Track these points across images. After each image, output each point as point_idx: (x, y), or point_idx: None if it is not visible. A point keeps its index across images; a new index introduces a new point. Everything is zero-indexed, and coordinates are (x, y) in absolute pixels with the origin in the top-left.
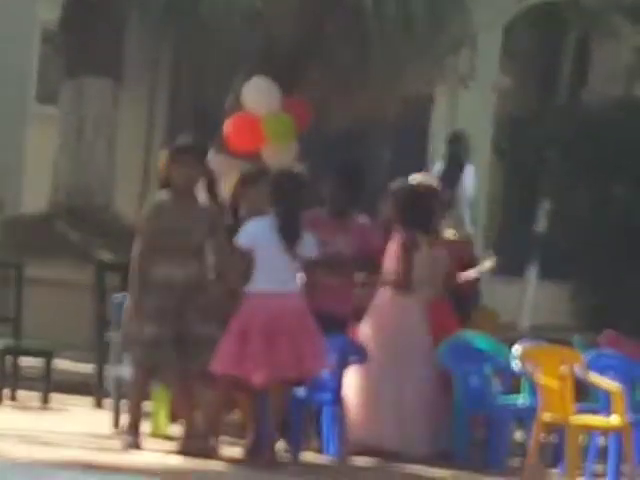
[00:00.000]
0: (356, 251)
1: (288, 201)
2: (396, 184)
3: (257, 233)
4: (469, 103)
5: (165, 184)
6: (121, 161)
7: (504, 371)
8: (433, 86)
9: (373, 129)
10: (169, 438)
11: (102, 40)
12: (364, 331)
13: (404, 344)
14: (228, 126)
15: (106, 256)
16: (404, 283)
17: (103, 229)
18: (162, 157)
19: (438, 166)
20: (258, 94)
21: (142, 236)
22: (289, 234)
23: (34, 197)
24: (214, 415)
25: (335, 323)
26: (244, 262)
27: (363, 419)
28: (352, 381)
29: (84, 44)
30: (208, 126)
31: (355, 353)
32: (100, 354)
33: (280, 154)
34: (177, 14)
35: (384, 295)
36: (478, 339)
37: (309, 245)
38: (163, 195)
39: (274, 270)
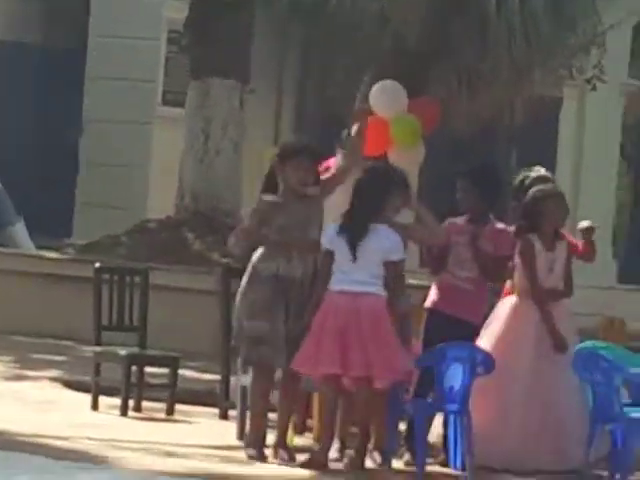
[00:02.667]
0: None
1: (362, 200)
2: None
3: (333, 234)
4: (597, 106)
5: (272, 184)
6: (248, 164)
7: (633, 382)
8: (561, 88)
9: (499, 131)
10: (296, 450)
11: (228, 41)
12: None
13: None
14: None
15: (232, 262)
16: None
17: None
18: (270, 156)
19: None
20: (385, 97)
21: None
22: (349, 235)
23: (160, 201)
24: (343, 425)
25: (468, 330)
26: (326, 263)
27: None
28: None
29: (210, 45)
30: (335, 127)
31: (482, 363)
32: (225, 363)
33: (406, 156)
34: (304, 15)
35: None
36: (606, 349)
37: (393, 248)
38: (274, 196)
39: (347, 271)
